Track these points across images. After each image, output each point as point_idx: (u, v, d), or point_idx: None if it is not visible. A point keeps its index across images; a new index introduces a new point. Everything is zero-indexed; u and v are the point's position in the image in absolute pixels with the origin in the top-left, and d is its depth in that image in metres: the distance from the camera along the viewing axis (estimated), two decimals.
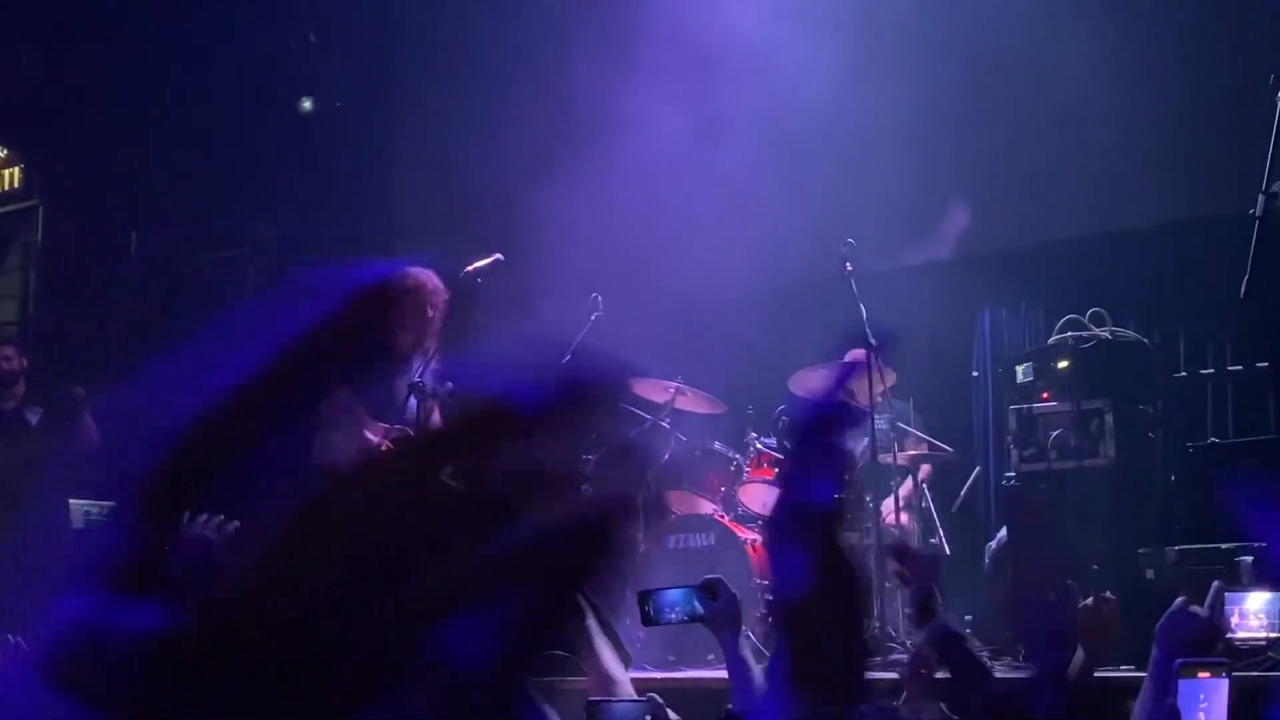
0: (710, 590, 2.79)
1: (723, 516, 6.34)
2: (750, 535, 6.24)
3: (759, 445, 6.49)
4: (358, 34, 10.17)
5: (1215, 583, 2.30)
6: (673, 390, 6.87)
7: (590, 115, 8.83)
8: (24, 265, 10.43)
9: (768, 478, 6.39)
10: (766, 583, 6.05)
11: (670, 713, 2.66)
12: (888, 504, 6.08)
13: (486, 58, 9.40)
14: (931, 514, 6.40)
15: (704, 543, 6.22)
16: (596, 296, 6.83)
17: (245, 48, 10.49)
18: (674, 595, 2.87)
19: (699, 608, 2.79)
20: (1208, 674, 2.06)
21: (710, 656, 5.70)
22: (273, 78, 10.24)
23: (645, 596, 2.93)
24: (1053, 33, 7.28)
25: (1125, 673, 4.86)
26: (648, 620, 2.92)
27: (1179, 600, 2.23)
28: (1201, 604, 2.25)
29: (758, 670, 2.75)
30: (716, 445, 6.66)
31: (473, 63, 9.47)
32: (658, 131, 8.52)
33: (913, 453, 6.46)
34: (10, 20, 10.20)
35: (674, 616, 2.89)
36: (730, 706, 2.98)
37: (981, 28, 7.56)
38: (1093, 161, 7.09)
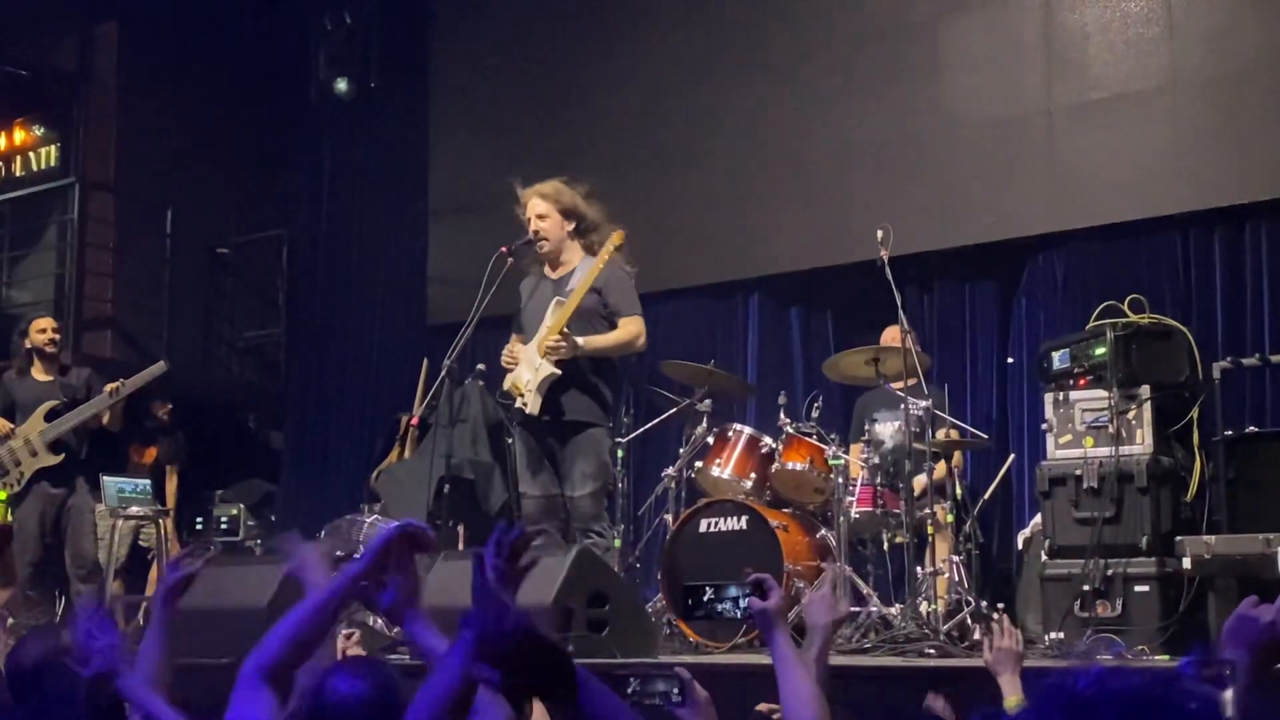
0: (759, 588, 2.75)
1: (754, 501, 6.31)
2: (781, 520, 6.21)
3: (790, 430, 6.45)
4: (393, 13, 10.16)
5: None
6: (707, 372, 6.84)
7: (620, 96, 8.81)
8: (60, 243, 10.49)
9: (800, 463, 6.36)
10: (797, 568, 6.02)
11: (698, 686, 2.63)
12: (920, 485, 6.04)
13: (517, 36, 9.38)
14: (965, 501, 6.36)
15: (735, 527, 6.19)
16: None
17: (281, 28, 10.51)
18: (722, 589, 2.84)
19: (748, 605, 2.76)
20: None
21: (739, 639, 5.68)
22: (309, 57, 10.25)
23: (692, 591, 2.89)
24: (1095, 15, 7.20)
25: (1161, 664, 4.82)
26: (691, 614, 2.89)
27: (1246, 600, 2.16)
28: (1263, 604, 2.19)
29: (803, 670, 2.71)
30: (749, 429, 6.63)
31: (507, 41, 9.45)
32: (687, 114, 8.49)
33: (945, 439, 6.40)
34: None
35: (722, 610, 2.86)
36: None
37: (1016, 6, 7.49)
38: (1133, 146, 7.01)
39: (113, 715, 2.77)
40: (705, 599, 2.84)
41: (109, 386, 7.33)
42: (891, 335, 6.64)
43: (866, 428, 6.53)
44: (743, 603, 2.79)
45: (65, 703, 2.82)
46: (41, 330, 7.50)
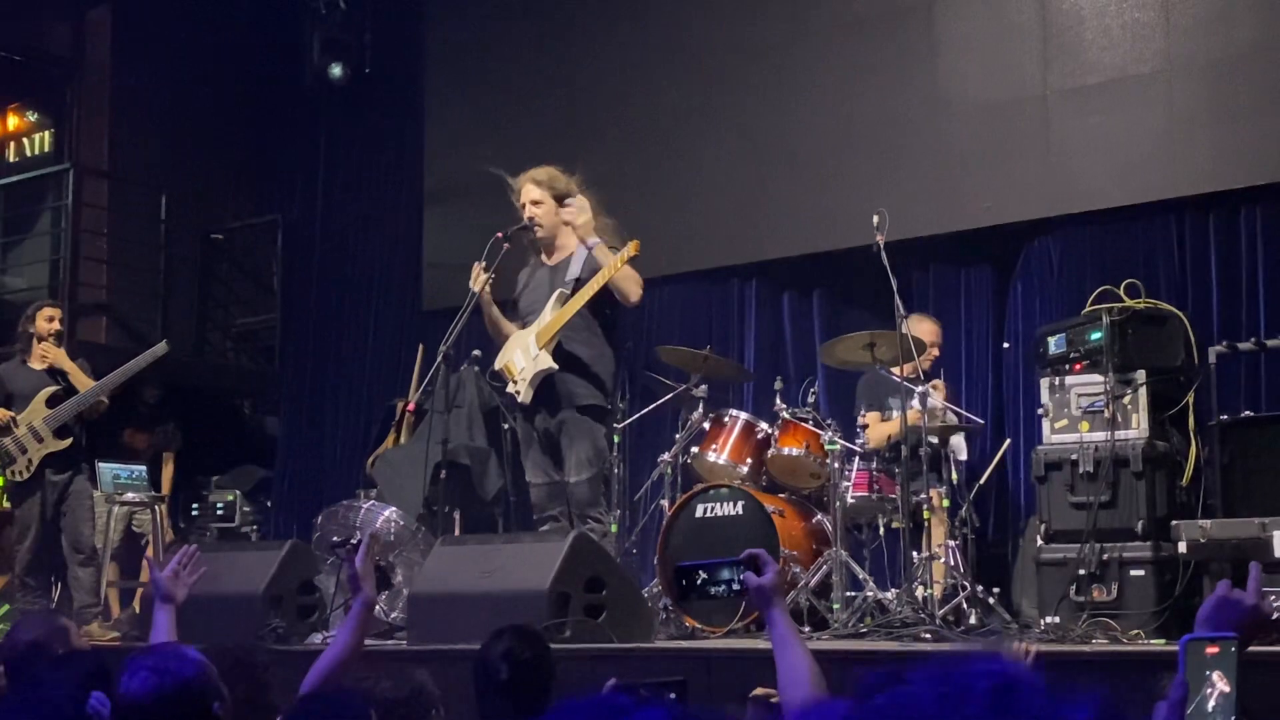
0: (754, 564, 2.73)
1: (750, 486, 6.32)
2: (777, 505, 6.22)
3: (787, 415, 6.46)
4: None
5: (1253, 564, 2.24)
6: (703, 358, 6.84)
7: (615, 81, 8.80)
8: (55, 229, 10.47)
9: (796, 448, 6.37)
10: (794, 553, 6.04)
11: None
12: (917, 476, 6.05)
13: (512, 21, 9.36)
14: (961, 486, 6.36)
15: (731, 512, 6.21)
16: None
17: (275, 12, 10.48)
18: (715, 570, 2.81)
19: (742, 582, 2.74)
20: (1216, 649, 2.02)
21: (736, 624, 5.69)
22: (303, 42, 10.21)
23: (684, 571, 2.87)
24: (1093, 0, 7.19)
25: (1157, 648, 4.84)
26: (685, 596, 2.87)
27: (1221, 584, 2.17)
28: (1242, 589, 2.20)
29: (802, 648, 2.68)
30: (745, 415, 6.63)
31: (501, 26, 9.42)
32: (683, 99, 8.48)
33: (941, 424, 6.41)
34: None
35: (716, 592, 2.83)
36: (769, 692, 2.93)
37: None
38: (1128, 130, 7.00)
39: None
40: (699, 582, 2.80)
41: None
42: (923, 329, 6.72)
43: (884, 415, 6.55)
44: (735, 585, 2.76)
45: (59, 684, 2.84)
46: (50, 319, 7.46)
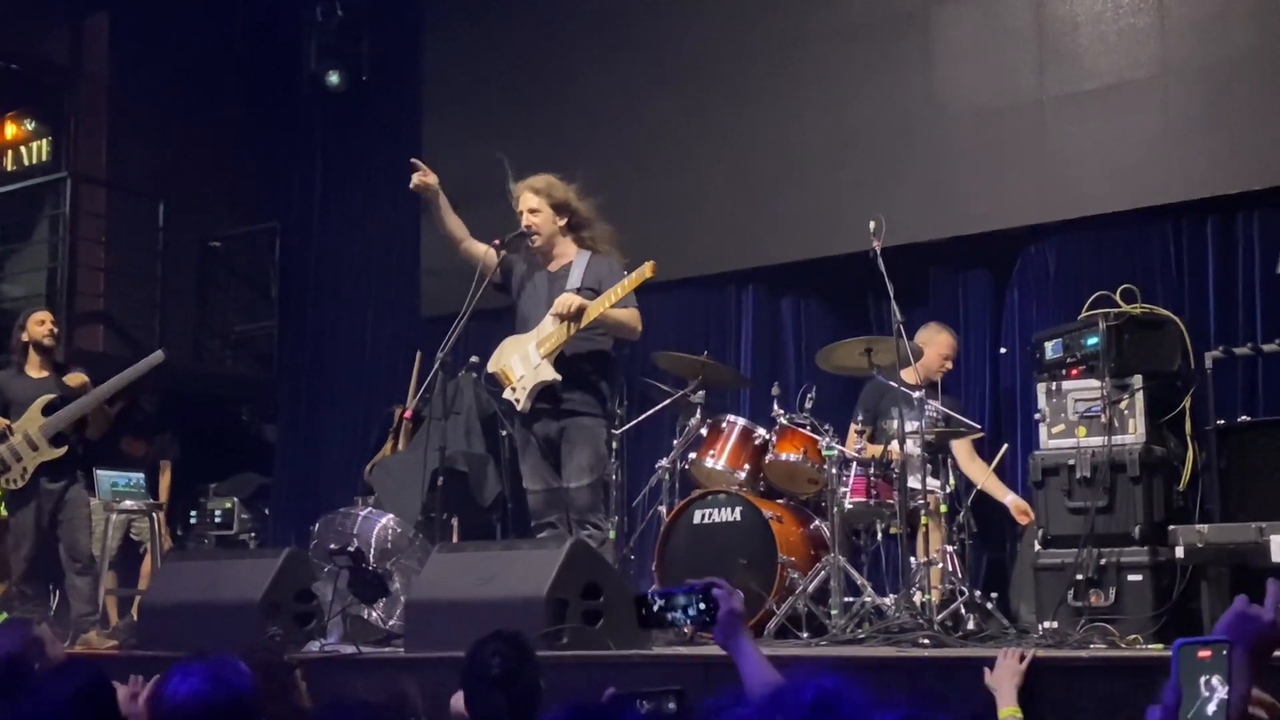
0: (708, 597, 2.70)
1: (748, 492, 6.32)
2: (775, 511, 6.22)
3: (784, 420, 6.46)
4: (385, 5, 10.14)
5: (1271, 580, 2.23)
6: (700, 364, 6.84)
7: (613, 88, 8.80)
8: (52, 237, 10.47)
9: (794, 453, 6.37)
10: (792, 558, 6.04)
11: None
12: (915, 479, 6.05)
13: (509, 27, 9.36)
14: (958, 491, 6.37)
15: (729, 518, 6.21)
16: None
17: (272, 20, 10.50)
18: (672, 597, 2.80)
19: (701, 609, 2.72)
20: (1208, 653, 2.02)
21: None
22: (300, 49, 10.23)
23: (641, 600, 2.86)
24: (1086, 4, 7.20)
25: (1154, 653, 4.84)
26: (645, 623, 2.84)
27: (1239, 599, 2.16)
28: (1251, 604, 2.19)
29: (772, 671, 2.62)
30: (742, 420, 6.63)
31: (498, 32, 9.43)
32: (679, 105, 8.49)
33: (939, 430, 6.41)
34: None
35: (673, 618, 2.82)
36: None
37: None
38: (1124, 136, 7.01)
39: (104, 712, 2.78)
40: (655, 609, 2.79)
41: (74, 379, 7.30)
42: (941, 339, 6.73)
43: (883, 424, 6.54)
44: (691, 611, 2.74)
45: (39, 694, 2.82)
46: (40, 323, 7.44)
